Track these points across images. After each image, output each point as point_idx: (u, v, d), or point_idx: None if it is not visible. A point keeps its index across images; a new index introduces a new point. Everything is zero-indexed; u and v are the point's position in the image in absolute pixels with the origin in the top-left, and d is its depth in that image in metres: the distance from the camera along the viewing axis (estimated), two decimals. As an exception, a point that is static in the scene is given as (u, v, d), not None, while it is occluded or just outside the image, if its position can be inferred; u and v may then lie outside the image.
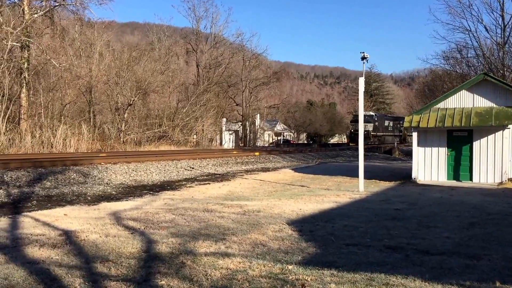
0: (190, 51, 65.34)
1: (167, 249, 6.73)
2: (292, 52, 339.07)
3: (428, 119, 17.52)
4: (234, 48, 66.68)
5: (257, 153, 29.38)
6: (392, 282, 5.32)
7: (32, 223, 8.46)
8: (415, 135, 18.07)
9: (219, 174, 19.95)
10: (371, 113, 65.37)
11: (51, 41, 34.92)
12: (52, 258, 6.12)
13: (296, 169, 23.24)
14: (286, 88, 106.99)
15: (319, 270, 5.79)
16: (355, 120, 54.68)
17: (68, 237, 7.30)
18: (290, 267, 5.92)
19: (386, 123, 66.76)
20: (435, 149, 17.89)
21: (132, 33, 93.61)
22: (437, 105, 18.22)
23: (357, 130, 40.02)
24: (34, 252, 6.37)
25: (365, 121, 52.47)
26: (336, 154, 39.00)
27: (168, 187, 15.04)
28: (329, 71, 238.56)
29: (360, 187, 14.61)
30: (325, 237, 7.76)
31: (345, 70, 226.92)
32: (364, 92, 15.87)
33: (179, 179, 17.61)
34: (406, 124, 18.42)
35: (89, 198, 12.28)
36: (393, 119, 71.19)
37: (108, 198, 12.38)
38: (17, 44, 30.18)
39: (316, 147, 52.66)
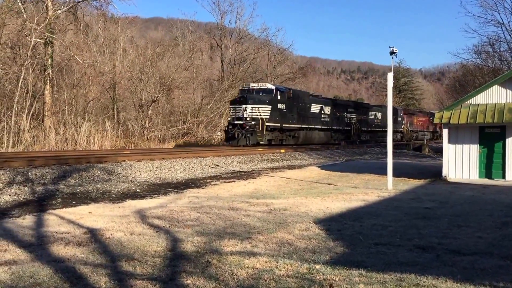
0: (214, 47, 65.49)
1: (193, 248, 6.78)
2: (318, 47, 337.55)
3: (459, 115, 17.24)
4: (259, 43, 66.56)
5: (282, 150, 29.35)
6: (423, 283, 5.26)
7: (57, 221, 8.62)
8: (445, 132, 17.80)
9: (244, 172, 19.99)
10: (351, 100, 55.41)
11: (74, 37, 35.45)
12: (77, 256, 6.22)
13: (322, 167, 23.14)
14: (312, 83, 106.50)
15: (347, 270, 5.76)
16: (235, 103, 32.22)
17: (93, 235, 7.42)
18: (317, 266, 5.91)
19: (374, 114, 52.25)
20: (466, 146, 17.60)
21: (155, 29, 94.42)
22: (468, 101, 17.91)
23: (236, 120, 30.73)
24: (60, 250, 6.49)
25: (344, 108, 44.23)
26: (364, 151, 38.67)
27: (193, 185, 15.14)
28: (357, 66, 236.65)
29: (389, 185, 14.47)
30: (353, 236, 7.72)
31: (373, 65, 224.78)
32: (392, 87, 15.69)
33: (203, 176, 17.71)
34: (436, 121, 18.15)
35: (113, 195, 12.45)
36: (380, 109, 54.77)
37: (133, 196, 12.52)
38: (41, 41, 30.71)
39: (343, 144, 50.12)
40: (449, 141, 17.73)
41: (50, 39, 31.43)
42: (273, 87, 33.43)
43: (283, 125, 33.20)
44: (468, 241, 7.49)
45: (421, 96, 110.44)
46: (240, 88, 37.75)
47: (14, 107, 27.11)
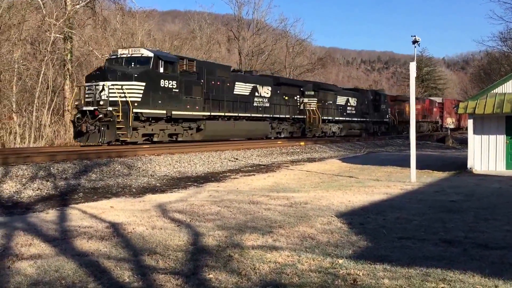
0: (232, 39, 65.44)
1: (214, 242, 6.83)
2: (338, 37, 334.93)
3: (485, 105, 16.97)
4: (277, 34, 66.35)
5: (302, 143, 29.30)
6: (450, 277, 5.23)
7: (79, 215, 8.75)
8: (470, 122, 17.55)
9: (264, 165, 20.01)
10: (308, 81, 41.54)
11: (93, 32, 35.78)
12: (100, 250, 6.31)
13: (343, 159, 23.04)
14: (331, 74, 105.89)
15: (371, 264, 5.75)
16: (90, 79, 22.07)
17: (115, 229, 7.51)
18: (340, 261, 5.90)
19: (344, 100, 41.16)
20: (492, 137, 17.34)
21: (173, 22, 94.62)
22: (494, 90, 17.62)
23: (86, 105, 20.71)
24: (83, 244, 6.59)
25: (296, 91, 34.88)
26: (385, 143, 38.40)
27: (212, 179, 15.22)
28: (377, 56, 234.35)
29: (412, 178, 14.36)
30: (377, 230, 7.69)
31: (394, 54, 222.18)
32: (415, 77, 15.51)
33: (223, 170, 17.78)
34: (461, 111, 17.90)
35: (134, 190, 12.58)
36: (354, 94, 43.79)
37: (153, 190, 12.64)
38: (60, 36, 31.03)
39: (364, 135, 48.67)
40: (474, 132, 17.49)
41: (69, 34, 31.77)
42: (151, 54, 22.57)
43: (173, 112, 22.98)
44: (496, 235, 7.40)
45: (444, 86, 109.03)
46: (106, 57, 25.74)
47: (35, 102, 27.49)
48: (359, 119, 43.48)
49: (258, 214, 9.01)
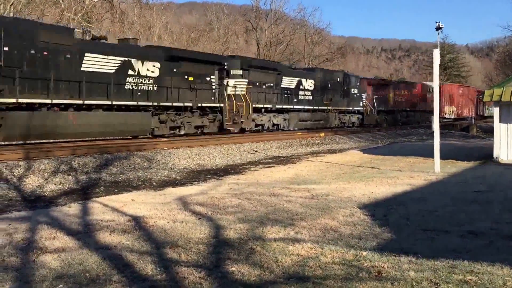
0: (250, 29, 65.39)
1: (235, 235, 6.87)
2: (357, 26, 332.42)
3: None
4: (295, 24, 66.13)
5: (322, 134, 29.20)
6: (477, 269, 5.18)
7: (101, 208, 8.87)
8: (496, 110, 17.28)
9: (284, 157, 20.01)
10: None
11: (111, 26, 36.06)
12: (123, 243, 6.40)
13: (364, 150, 22.92)
14: (351, 64, 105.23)
15: (395, 256, 5.72)
16: None
17: (137, 222, 7.60)
18: (364, 253, 5.89)
19: (295, 82, 31.84)
20: (519, 125, 17.02)
21: (190, 13, 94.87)
22: (520, 77, 17.28)
23: None
24: (106, 237, 6.68)
25: (209, 69, 24.32)
26: (408, 132, 38.06)
27: (232, 171, 15.27)
28: (398, 44, 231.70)
29: (436, 168, 14.21)
30: (400, 222, 7.65)
31: (415, 42, 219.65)
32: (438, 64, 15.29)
33: (242, 162, 17.83)
34: (486, 99, 17.64)
35: (154, 183, 12.69)
36: (310, 75, 33.84)
37: (173, 183, 12.74)
38: (79, 30, 31.34)
39: (385, 126, 42.78)
40: (501, 120, 17.21)
41: (88, 28, 32.05)
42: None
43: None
44: (522, 225, 7.31)
45: (468, 73, 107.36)
46: None
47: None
48: (317, 108, 33.56)
49: (279, 206, 9.02)
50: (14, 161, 13.07)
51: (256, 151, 20.98)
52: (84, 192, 11.11)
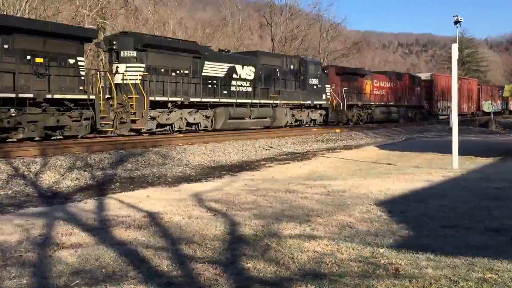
0: (264, 25, 65.27)
1: (251, 231, 6.87)
2: (373, 20, 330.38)
3: (531, 88, 16.42)
4: (310, 19, 65.84)
5: (338, 130, 29.10)
6: (497, 267, 5.12)
7: (117, 204, 8.94)
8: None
9: (299, 153, 19.98)
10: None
11: (125, 22, 36.24)
12: (138, 239, 6.44)
13: (380, 146, 22.78)
14: (367, 59, 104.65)
15: (413, 254, 5.68)
16: None
17: (153, 218, 7.64)
18: (381, 250, 5.85)
19: (226, 70, 25.22)
20: (539, 121, 16.66)
21: (204, 9, 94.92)
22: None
23: None
24: (121, 233, 6.73)
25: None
26: (424, 128, 37.77)
27: (247, 167, 15.28)
28: (415, 39, 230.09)
29: (454, 164, 14.07)
30: (418, 219, 7.58)
31: (433, 36, 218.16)
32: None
33: (257, 159, 17.83)
34: (506, 94, 17.43)
35: (169, 179, 12.75)
36: (249, 61, 26.99)
37: (188, 179, 12.78)
38: (93, 27, 31.57)
39: (401, 121, 42.03)
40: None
41: (102, 24, 32.27)
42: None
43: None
44: (543, 222, 7.21)
45: (487, 68, 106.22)
46: None
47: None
48: (258, 102, 26.69)
49: (294, 202, 9.01)
50: (31, 157, 13.23)
51: (271, 147, 20.97)
52: (100, 188, 11.20)
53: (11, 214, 8.30)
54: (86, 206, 8.88)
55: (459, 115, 49.52)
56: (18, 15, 26.14)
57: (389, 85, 41.26)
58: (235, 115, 25.10)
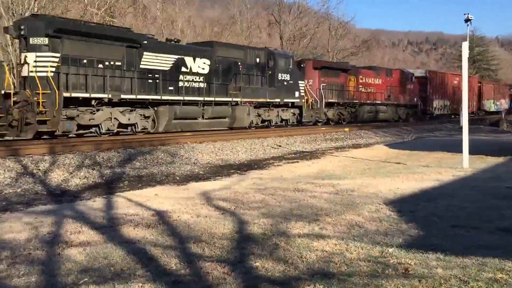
0: (273, 23, 65.15)
1: (259, 230, 6.87)
2: (383, 18, 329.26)
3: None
4: (319, 17, 65.67)
5: (347, 129, 29.02)
6: (508, 267, 5.09)
7: (125, 203, 8.97)
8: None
9: (308, 152, 19.95)
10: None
11: (134, 20, 36.35)
12: (147, 238, 6.46)
13: (390, 145, 22.71)
14: (376, 57, 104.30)
15: (423, 253, 5.66)
16: None
17: (161, 217, 7.66)
18: (390, 250, 5.84)
19: (172, 63, 21.51)
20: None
21: (212, 7, 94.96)
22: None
23: None
24: (130, 232, 6.76)
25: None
26: (434, 127, 37.58)
27: (256, 166, 15.29)
28: (425, 37, 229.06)
29: (464, 164, 14.00)
30: (428, 218, 7.55)
31: (443, 35, 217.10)
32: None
33: (266, 157, 17.83)
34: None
35: (177, 178, 12.78)
36: (203, 52, 23.10)
37: (196, 178, 12.81)
38: (102, 25, 31.73)
39: (411, 120, 41.48)
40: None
41: (111, 23, 32.37)
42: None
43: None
44: (555, 222, 7.15)
45: (498, 66, 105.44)
46: None
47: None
48: (212, 100, 22.95)
49: (303, 201, 9.00)
50: (40, 155, 13.31)
51: (279, 145, 20.96)
52: (109, 187, 11.25)
53: (20, 212, 8.35)
54: (94, 204, 8.92)
55: (455, 114, 46.88)
56: (27, 13, 26.27)
57: (377, 82, 37.73)
58: (182, 115, 21.64)
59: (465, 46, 14.67)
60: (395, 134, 30.30)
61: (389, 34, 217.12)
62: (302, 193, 9.90)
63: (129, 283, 4.80)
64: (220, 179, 12.57)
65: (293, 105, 28.57)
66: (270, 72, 26.59)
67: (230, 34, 49.33)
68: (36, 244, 6.10)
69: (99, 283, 4.82)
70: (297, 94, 28.46)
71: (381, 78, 38.11)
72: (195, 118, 22.47)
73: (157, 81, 20.53)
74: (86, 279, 4.91)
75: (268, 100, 26.48)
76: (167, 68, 21.16)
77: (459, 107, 46.55)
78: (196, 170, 14.17)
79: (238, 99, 24.43)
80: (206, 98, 22.72)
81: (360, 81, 35.67)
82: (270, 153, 19.10)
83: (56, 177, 11.87)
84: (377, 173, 13.16)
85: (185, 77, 21.99)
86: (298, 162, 16.50)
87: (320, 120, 31.54)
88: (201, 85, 22.68)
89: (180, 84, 21.69)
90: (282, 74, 27.41)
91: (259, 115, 26.62)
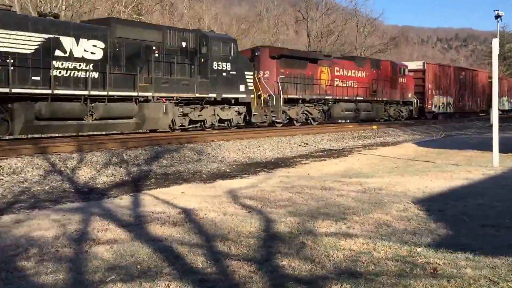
0: (300, 20, 65.03)
1: (286, 229, 6.85)
2: (411, 14, 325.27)
3: None
4: (347, 14, 65.31)
5: (374, 127, 28.76)
6: (540, 268, 4.97)
7: (152, 201, 9.04)
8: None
9: (335, 150, 19.84)
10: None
11: (160, 18, 36.65)
12: (173, 236, 6.50)
13: (418, 143, 22.43)
14: (405, 54, 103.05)
15: (452, 253, 5.57)
16: None
17: (187, 215, 7.70)
18: (418, 249, 5.76)
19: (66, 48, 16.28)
20: None
21: (239, 5, 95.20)
22: None
23: None
24: (156, 229, 6.81)
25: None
26: (464, 125, 37.00)
27: (282, 164, 15.26)
28: (454, 33, 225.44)
29: (495, 162, 13.72)
30: (457, 217, 7.43)
31: (473, 31, 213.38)
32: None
33: (293, 155, 17.79)
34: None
35: (204, 176, 12.84)
36: (91, 31, 17.19)
37: (223, 176, 12.85)
38: None
39: (440, 118, 39.77)
40: None
41: (138, 20, 32.71)
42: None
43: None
44: None
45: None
46: None
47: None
48: (103, 94, 17.39)
49: (330, 200, 8.94)
50: (67, 153, 13.52)
51: (306, 143, 20.89)
52: (135, 184, 11.36)
53: (48, 209, 8.48)
54: (121, 202, 9.02)
55: (460, 113, 43.15)
56: (55, 11, 26.71)
57: (360, 75, 31.99)
58: (53, 114, 16.14)
59: (495, 43, 14.38)
60: (424, 132, 29.93)
61: (418, 31, 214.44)
62: (329, 191, 9.84)
63: (156, 281, 4.83)
64: (246, 177, 12.59)
65: (238, 102, 22.79)
66: (202, 60, 20.84)
67: (257, 32, 49.30)
68: (63, 242, 6.19)
69: (126, 280, 4.86)
70: (242, 88, 22.56)
71: (365, 70, 32.41)
72: (82, 118, 17.03)
73: (9, 68, 14.89)
74: (113, 277, 4.96)
75: (197, 95, 20.39)
76: (28, 51, 15.55)
77: (466, 105, 45.03)
78: (223, 168, 14.21)
79: (149, 94, 18.61)
80: (95, 92, 17.03)
81: (336, 73, 29.98)
82: (297, 151, 19.06)
83: (84, 174, 12.04)
84: (406, 171, 13.00)
85: (62, 63, 16.42)
86: (325, 160, 16.42)
87: (278, 121, 25.87)
88: (90, 74, 17.03)
89: (55, 73, 16.09)
90: (220, 63, 21.49)
91: (184, 115, 20.69)
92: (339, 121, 31.77)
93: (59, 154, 13.26)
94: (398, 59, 55.19)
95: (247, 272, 5.12)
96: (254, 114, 23.65)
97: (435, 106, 39.96)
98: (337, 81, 29.88)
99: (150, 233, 6.62)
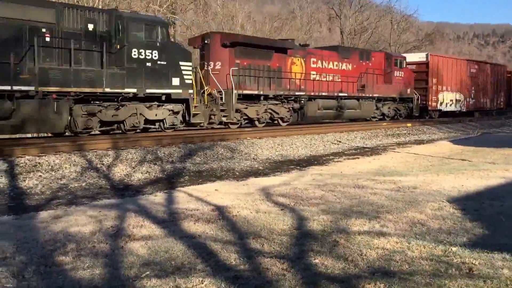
0: (333, 17, 64.61)
1: (319, 227, 6.83)
2: (447, 10, 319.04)
3: None
4: (380, 10, 64.48)
5: (409, 125, 28.36)
6: None
7: (185, 198, 9.13)
8: None
9: (368, 148, 19.65)
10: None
11: (194, 17, 36.92)
12: (207, 233, 6.55)
13: (454, 141, 22.03)
14: (440, 51, 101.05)
15: (488, 253, 5.46)
16: None
17: (220, 212, 7.75)
18: (454, 249, 5.67)
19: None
20: None
21: (272, 3, 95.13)
22: None
23: None
24: (190, 226, 6.88)
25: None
26: (502, 123, 36.12)
27: (315, 162, 15.20)
28: (491, 29, 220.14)
29: (534, 161, 13.37)
30: (493, 217, 7.28)
31: (510, 27, 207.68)
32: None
33: (326, 153, 17.69)
34: None
35: (237, 173, 12.89)
36: None
37: (256, 173, 12.87)
38: (164, 22, 32.38)
39: (477, 115, 38.67)
40: None
41: (172, 19, 33.04)
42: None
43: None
44: None
45: None
46: None
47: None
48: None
49: (363, 198, 8.87)
50: (104, 150, 13.76)
51: (339, 141, 20.75)
52: (169, 181, 11.48)
53: (85, 205, 8.65)
54: (156, 199, 9.14)
55: (474, 110, 38.70)
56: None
57: (344, 67, 27.42)
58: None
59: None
60: (460, 130, 29.37)
61: (454, 27, 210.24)
62: (362, 189, 9.77)
63: (190, 277, 4.88)
64: (279, 174, 12.58)
65: (170, 99, 18.23)
66: (118, 46, 16.46)
67: (290, 29, 49.19)
68: (100, 237, 6.31)
69: (160, 276, 4.93)
70: (176, 81, 18.18)
71: (351, 62, 27.86)
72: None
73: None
74: (148, 273, 5.04)
75: (107, 90, 16.07)
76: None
77: (480, 102, 40.19)
78: (256, 166, 14.24)
79: (30, 88, 14.20)
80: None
81: (313, 65, 25.50)
82: (330, 148, 18.94)
83: (119, 171, 12.23)
84: (440, 170, 12.79)
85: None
86: (358, 158, 16.28)
87: (233, 122, 21.68)
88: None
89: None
90: (143, 50, 17.01)
91: (89, 115, 16.08)
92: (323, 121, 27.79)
93: (96, 151, 13.50)
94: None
95: (279, 269, 5.13)
96: (194, 114, 19.06)
97: (441, 103, 35.41)
98: (313, 74, 25.36)
99: (184, 230, 6.70)
